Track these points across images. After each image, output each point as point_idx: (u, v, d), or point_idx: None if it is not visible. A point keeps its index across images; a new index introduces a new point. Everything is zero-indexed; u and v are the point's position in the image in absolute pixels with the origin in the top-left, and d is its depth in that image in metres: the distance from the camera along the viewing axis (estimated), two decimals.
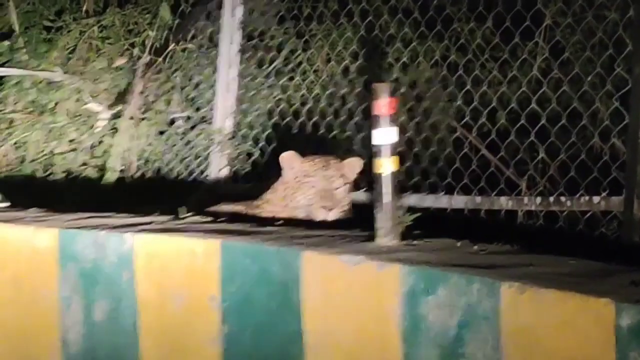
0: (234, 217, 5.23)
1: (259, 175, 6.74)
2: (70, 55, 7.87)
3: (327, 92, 6.70)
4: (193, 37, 7.50)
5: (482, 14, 6.09)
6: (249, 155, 6.99)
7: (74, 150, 7.57)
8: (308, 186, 5.33)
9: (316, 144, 6.52)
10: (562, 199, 5.48)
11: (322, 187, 5.31)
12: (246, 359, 4.27)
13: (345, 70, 6.72)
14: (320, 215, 5.31)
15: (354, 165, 5.43)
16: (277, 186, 5.50)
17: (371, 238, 4.26)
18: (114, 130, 7.51)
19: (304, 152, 5.46)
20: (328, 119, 6.66)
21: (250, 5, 7.21)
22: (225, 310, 4.30)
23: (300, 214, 5.37)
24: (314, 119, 6.73)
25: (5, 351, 4.95)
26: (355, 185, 5.57)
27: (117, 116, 7.55)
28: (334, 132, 6.63)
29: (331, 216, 5.32)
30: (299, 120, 6.79)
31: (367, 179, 5.70)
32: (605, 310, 3.31)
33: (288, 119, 6.88)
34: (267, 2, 7.26)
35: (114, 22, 7.87)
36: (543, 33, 5.90)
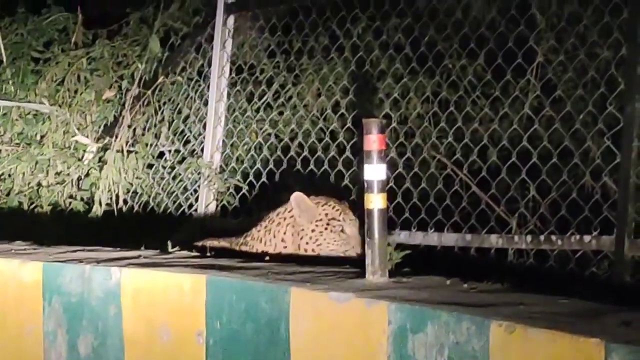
0: (221, 253, 5.23)
1: (248, 210, 6.75)
2: (58, 87, 7.87)
3: (317, 127, 6.70)
4: (182, 70, 7.51)
5: (473, 50, 6.09)
6: (238, 189, 6.99)
7: (60, 182, 7.56)
8: (337, 230, 5.22)
9: (305, 179, 6.53)
10: (553, 237, 5.47)
11: (352, 232, 5.21)
12: None
13: (336, 105, 6.72)
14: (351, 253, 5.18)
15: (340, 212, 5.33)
16: (267, 225, 5.44)
17: (361, 275, 4.27)
18: (102, 163, 7.50)
19: (302, 191, 5.37)
20: (318, 154, 6.65)
21: (240, 39, 7.24)
22: (212, 347, 4.29)
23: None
24: (304, 154, 6.73)
25: None
26: None
27: (104, 149, 7.55)
28: (323, 168, 6.60)
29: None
30: (288, 155, 6.78)
31: (357, 214, 5.72)
32: (595, 351, 3.31)
33: (277, 153, 6.88)
34: (258, 35, 7.28)
35: (103, 54, 7.89)
36: (535, 70, 5.91)
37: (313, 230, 5.22)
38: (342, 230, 5.18)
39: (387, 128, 6.01)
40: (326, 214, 5.23)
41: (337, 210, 5.25)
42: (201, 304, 4.33)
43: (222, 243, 5.48)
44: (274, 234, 5.35)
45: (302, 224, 5.24)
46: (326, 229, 5.20)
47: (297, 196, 5.23)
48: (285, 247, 5.31)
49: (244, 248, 5.42)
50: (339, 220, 5.20)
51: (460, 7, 6.19)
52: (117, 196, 7.36)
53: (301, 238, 5.25)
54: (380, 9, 6.53)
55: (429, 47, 6.30)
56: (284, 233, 5.31)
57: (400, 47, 6.49)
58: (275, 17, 7.12)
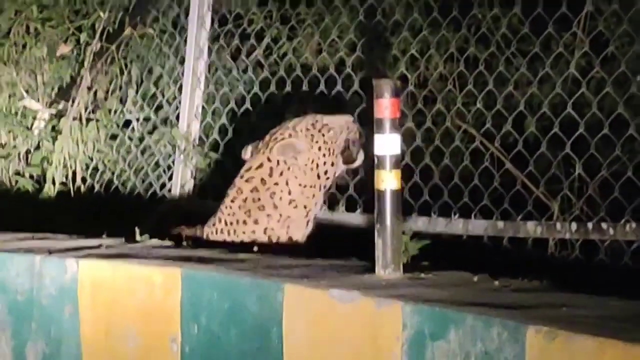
0: (200, 242, 5.25)
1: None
2: (3, 41, 7.89)
3: (318, 91, 6.71)
4: (154, 21, 7.51)
5: None
6: (220, 165, 6.99)
7: (5, 156, 7.58)
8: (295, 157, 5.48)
9: None
10: (604, 225, 5.48)
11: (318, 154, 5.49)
12: None
13: (341, 64, 6.72)
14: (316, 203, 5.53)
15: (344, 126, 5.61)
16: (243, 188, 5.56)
17: (369, 269, 4.28)
18: (55, 133, 7.52)
19: None
20: None
21: None
22: (188, 355, 4.31)
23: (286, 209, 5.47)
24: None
25: None
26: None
27: (59, 116, 7.57)
28: None
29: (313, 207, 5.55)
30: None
31: (365, 199, 5.73)
32: None
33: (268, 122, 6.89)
34: None
35: (57, 1, 7.89)
36: (583, 22, 5.91)
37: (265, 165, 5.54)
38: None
39: (403, 91, 6.00)
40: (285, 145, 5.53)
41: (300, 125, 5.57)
42: (176, 303, 4.34)
43: (200, 231, 5.50)
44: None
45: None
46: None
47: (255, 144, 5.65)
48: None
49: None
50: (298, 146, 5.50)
51: None
52: (74, 173, 7.39)
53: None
54: None
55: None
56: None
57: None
58: None
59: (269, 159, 5.44)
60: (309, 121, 5.54)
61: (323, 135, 5.46)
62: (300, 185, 5.43)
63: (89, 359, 4.54)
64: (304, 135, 5.47)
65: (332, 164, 5.47)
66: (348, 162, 5.52)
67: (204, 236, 5.48)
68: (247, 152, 5.61)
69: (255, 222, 5.43)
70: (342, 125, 5.53)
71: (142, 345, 4.41)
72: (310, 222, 5.50)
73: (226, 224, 5.48)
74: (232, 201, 5.51)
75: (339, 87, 6.63)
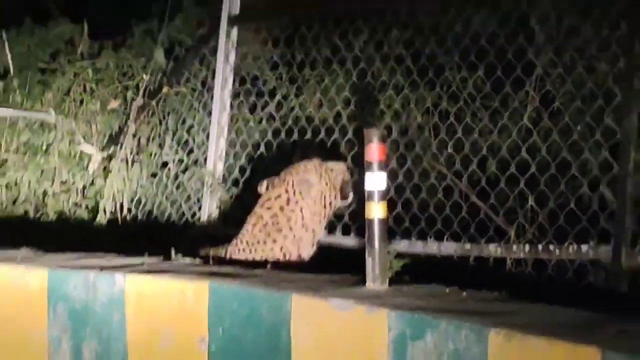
0: (224, 260, 5.24)
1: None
2: (64, 97, 7.88)
3: (319, 138, 6.70)
4: (186, 81, 7.51)
5: (473, 63, 6.09)
6: (240, 198, 6.98)
7: (66, 191, 7.57)
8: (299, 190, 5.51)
9: None
10: (551, 247, 5.46)
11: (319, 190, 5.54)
12: None
13: (337, 116, 6.71)
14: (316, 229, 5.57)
15: (335, 169, 5.67)
16: (254, 218, 5.59)
17: (361, 282, 4.29)
18: (106, 172, 7.51)
19: None
20: None
21: (243, 51, 7.24)
22: (214, 353, 4.29)
23: (289, 230, 5.50)
24: None
25: None
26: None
27: (109, 158, 7.56)
28: None
29: (317, 233, 5.58)
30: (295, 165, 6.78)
31: (357, 225, 5.72)
32: (592, 357, 3.31)
33: (279, 164, 6.87)
34: (260, 47, 7.27)
35: (108, 65, 7.90)
36: (534, 83, 5.90)
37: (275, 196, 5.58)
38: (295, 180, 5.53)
39: (388, 138, 6.01)
40: (291, 182, 5.58)
41: (304, 168, 5.60)
42: (204, 310, 4.34)
43: (224, 250, 5.50)
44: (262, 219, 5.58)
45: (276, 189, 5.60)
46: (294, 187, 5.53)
47: (269, 180, 5.67)
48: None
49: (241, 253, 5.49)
50: (303, 178, 5.54)
51: (461, 21, 6.19)
52: (122, 205, 7.37)
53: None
54: (382, 22, 6.52)
55: (430, 60, 6.30)
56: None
57: (401, 59, 6.48)
58: (278, 29, 7.13)
59: (286, 191, 5.48)
60: (317, 163, 5.57)
61: (328, 175, 5.51)
62: (310, 212, 5.46)
63: (133, 355, 4.52)
64: (315, 174, 5.50)
65: (335, 197, 5.52)
66: (343, 198, 5.56)
67: (228, 254, 5.47)
68: (263, 187, 5.62)
69: (274, 241, 5.44)
70: (340, 169, 5.61)
71: (176, 344, 4.41)
72: (315, 244, 5.52)
73: (247, 244, 5.49)
74: (254, 225, 5.51)
75: (336, 135, 6.62)
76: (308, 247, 5.50)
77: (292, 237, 5.45)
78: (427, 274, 4.51)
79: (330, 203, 5.55)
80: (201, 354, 4.32)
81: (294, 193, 5.47)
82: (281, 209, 5.48)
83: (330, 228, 6.01)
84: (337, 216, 5.91)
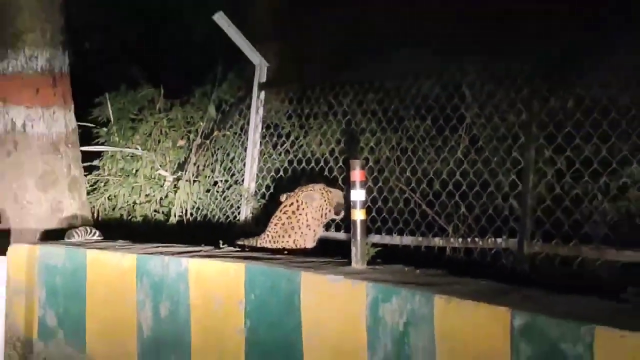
0: (255, 248, 5.25)
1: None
2: (147, 138, 7.90)
3: (319, 166, 6.70)
4: (230, 127, 7.52)
5: (424, 115, 6.11)
6: (266, 207, 7.00)
7: (148, 201, 7.58)
8: (305, 209, 5.54)
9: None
10: (476, 240, 5.47)
11: (316, 207, 5.55)
12: (261, 346, 4.26)
13: (332, 151, 6.72)
14: (316, 231, 5.59)
15: (332, 194, 5.63)
16: (275, 222, 5.60)
17: (348, 263, 4.28)
18: (176, 188, 7.52)
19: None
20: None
21: (268, 107, 7.25)
22: (248, 311, 4.31)
23: (298, 231, 5.52)
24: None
25: (103, 334, 4.98)
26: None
27: (178, 179, 7.57)
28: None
29: (317, 232, 5.60)
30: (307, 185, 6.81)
31: (346, 224, 5.72)
32: (505, 316, 3.33)
33: (291, 183, 6.90)
34: (280, 105, 7.29)
35: (177, 116, 7.92)
36: (465, 129, 5.91)
37: (290, 209, 5.59)
38: (303, 204, 5.54)
39: (366, 166, 6.02)
40: (300, 200, 5.58)
41: (308, 193, 5.59)
42: (242, 282, 4.35)
43: (254, 241, 5.53)
44: (283, 223, 5.58)
45: (291, 205, 5.58)
46: (300, 206, 5.55)
47: (288, 194, 5.66)
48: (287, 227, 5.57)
49: (265, 243, 5.53)
50: (306, 202, 5.55)
51: (416, 86, 6.21)
52: (186, 211, 7.37)
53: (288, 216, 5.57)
54: (362, 87, 6.54)
55: (394, 113, 6.33)
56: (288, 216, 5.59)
57: (374, 113, 6.50)
58: (292, 92, 7.14)
59: (297, 201, 5.50)
60: (321, 186, 5.59)
61: (327, 195, 5.53)
62: (313, 217, 5.48)
63: (194, 312, 4.55)
64: (318, 192, 5.52)
65: (329, 211, 5.53)
66: (336, 214, 5.58)
67: (258, 244, 5.49)
68: (282, 198, 5.63)
69: (289, 236, 5.47)
70: (337, 194, 5.62)
71: (223, 305, 4.42)
72: (316, 239, 5.53)
73: (271, 237, 5.52)
74: (275, 224, 5.54)
75: (331, 164, 6.62)
76: (310, 241, 5.52)
77: (300, 234, 5.47)
78: (393, 258, 4.51)
79: (326, 214, 5.54)
80: (240, 312, 4.33)
81: (302, 203, 5.49)
82: (293, 213, 5.50)
83: (328, 226, 6.01)
84: (333, 220, 5.91)
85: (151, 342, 4.70)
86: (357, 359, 3.86)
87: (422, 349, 3.63)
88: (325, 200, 5.52)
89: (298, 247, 5.45)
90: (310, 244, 5.53)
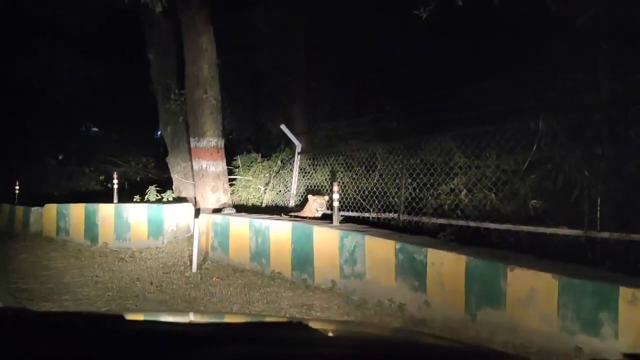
0: (295, 217, 5.12)
1: (302, 205, 6.39)
2: (254, 173, 7.66)
3: (321, 185, 6.54)
4: (285, 169, 7.33)
5: (366, 166, 5.81)
6: (300, 200, 6.76)
7: (254, 198, 7.34)
8: (316, 202, 5.24)
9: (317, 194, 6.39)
10: (381, 214, 5.18)
11: (319, 202, 5.24)
12: (298, 254, 4.12)
13: (326, 180, 6.48)
14: (319, 209, 5.12)
15: (326, 198, 5.34)
16: (305, 206, 5.37)
17: (331, 223, 4.18)
18: (265, 193, 7.40)
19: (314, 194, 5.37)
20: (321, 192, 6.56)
21: (301, 162, 7.08)
22: (293, 240, 4.19)
23: (313, 210, 5.21)
24: (317, 191, 6.62)
25: (235, 249, 4.66)
26: (326, 204, 5.39)
27: (265, 189, 7.48)
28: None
29: (321, 210, 5.10)
30: (313, 192, 6.66)
31: (329, 205, 5.67)
32: (392, 244, 3.27)
33: (310, 191, 6.75)
34: (306, 161, 7.07)
35: (265, 165, 7.49)
36: (378, 170, 5.59)
37: (310, 203, 5.24)
38: (316, 202, 5.19)
39: (339, 185, 5.90)
40: (313, 199, 5.25)
41: (316, 197, 5.28)
42: (289, 232, 4.21)
43: (295, 214, 5.29)
44: (306, 207, 5.29)
45: (310, 201, 5.27)
46: (313, 202, 5.18)
47: (308, 195, 5.39)
48: (308, 210, 5.23)
49: (301, 214, 5.23)
50: (315, 200, 5.22)
51: (359, 154, 5.91)
52: (269, 202, 7.11)
53: (308, 206, 5.24)
54: (339, 155, 6.32)
55: (350, 165, 6.05)
56: (307, 207, 5.26)
57: (345, 165, 6.21)
58: (310, 156, 6.97)
59: (310, 199, 5.29)
60: (318, 196, 5.32)
61: (322, 199, 5.25)
62: (315, 207, 5.23)
63: (272, 242, 4.34)
64: (318, 197, 5.28)
65: (321, 206, 5.21)
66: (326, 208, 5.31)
67: (299, 214, 5.21)
68: (309, 197, 5.31)
69: (310, 212, 5.22)
70: (325, 198, 5.28)
71: (283, 238, 4.21)
72: (320, 214, 5.25)
73: (303, 211, 5.28)
74: (305, 207, 5.32)
75: (326, 185, 6.49)
76: (317, 215, 5.25)
77: (314, 211, 5.28)
78: (349, 221, 4.43)
79: (322, 204, 5.28)
80: (289, 241, 4.17)
81: (312, 201, 5.29)
82: (309, 204, 5.30)
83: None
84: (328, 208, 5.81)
85: (255, 253, 4.51)
86: (335, 260, 3.78)
87: (360, 257, 3.59)
88: (320, 201, 5.35)
89: (314, 216, 5.26)
90: (318, 214, 5.31)
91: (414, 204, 4.68)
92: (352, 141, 6.71)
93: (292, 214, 5.27)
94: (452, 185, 4.45)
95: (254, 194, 7.46)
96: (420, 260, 3.12)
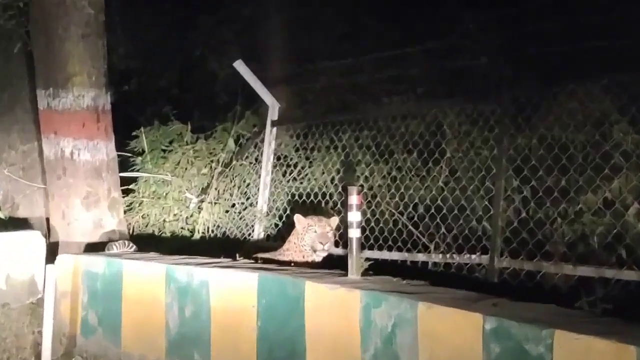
0: (266, 261, 5.24)
1: (282, 237, 6.69)
2: (176, 166, 7.88)
3: (322, 191, 6.71)
4: (246, 158, 7.51)
5: (411, 149, 6.15)
6: (276, 225, 7.00)
7: (176, 220, 7.57)
8: (312, 231, 5.35)
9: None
10: (454, 256, 5.48)
11: (320, 232, 5.33)
12: (271, 343, 4.24)
13: (332, 179, 6.73)
14: (319, 247, 5.32)
15: (335, 221, 5.49)
16: (290, 239, 5.51)
17: (344, 275, 4.27)
18: (200, 209, 7.51)
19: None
20: (321, 207, 6.68)
21: (279, 141, 7.27)
22: (260, 313, 4.30)
23: (306, 248, 5.36)
24: (313, 206, 6.76)
25: (136, 331, 4.96)
26: (335, 234, 5.62)
27: (201, 201, 7.57)
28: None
29: (326, 247, 5.34)
30: (305, 207, 6.81)
31: (343, 241, 5.72)
32: (478, 320, 3.33)
33: (298, 206, 6.91)
34: (289, 139, 7.30)
35: (202, 148, 7.90)
36: (445, 161, 5.94)
37: (301, 234, 5.39)
38: (315, 231, 5.32)
39: (361, 192, 6.03)
40: (308, 224, 5.39)
41: (314, 220, 5.40)
42: (254, 289, 4.34)
43: (266, 255, 5.50)
44: (292, 243, 5.46)
45: (299, 230, 5.42)
46: (307, 232, 5.36)
47: (296, 216, 5.50)
48: (296, 247, 5.41)
49: (279, 256, 5.45)
50: (313, 226, 5.35)
51: (404, 125, 6.23)
52: (208, 228, 7.36)
53: (298, 239, 5.42)
54: (358, 125, 6.55)
55: (386, 147, 6.34)
56: (294, 241, 5.45)
57: (369, 147, 6.52)
58: (299, 129, 7.16)
59: (296, 224, 5.47)
60: (323, 217, 5.51)
61: (328, 221, 5.42)
62: (310, 241, 5.41)
63: (214, 314, 4.54)
64: (319, 217, 5.47)
65: (325, 238, 5.35)
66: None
67: (275, 257, 5.45)
68: (297, 218, 5.49)
69: (295, 249, 5.45)
70: (334, 221, 5.48)
71: (238, 308, 4.41)
72: (320, 254, 5.45)
73: (277, 252, 5.51)
74: (284, 237, 5.56)
75: (332, 190, 6.64)
76: (315, 257, 5.43)
77: (306, 249, 5.40)
78: (383, 271, 4.51)
79: (321, 241, 5.38)
80: (253, 312, 4.32)
81: (303, 227, 5.41)
82: (296, 234, 5.47)
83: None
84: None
85: (177, 338, 4.70)
86: (352, 355, 3.85)
87: (406, 347, 3.62)
88: (325, 225, 5.44)
89: (307, 260, 5.39)
90: (316, 257, 5.44)
91: (524, 234, 4.99)
92: (388, 99, 6.94)
93: (261, 254, 5.54)
94: (607, 194, 4.53)
95: (176, 211, 7.61)
96: (539, 356, 3.04)
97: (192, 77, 9.80)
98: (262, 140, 7.30)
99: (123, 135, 7.78)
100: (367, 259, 5.23)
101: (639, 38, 4.81)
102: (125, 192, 7.59)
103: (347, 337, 3.88)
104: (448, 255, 5.52)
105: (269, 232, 7.03)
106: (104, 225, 6.62)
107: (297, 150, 7.21)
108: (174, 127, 8.18)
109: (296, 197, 6.91)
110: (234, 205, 7.46)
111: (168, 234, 7.45)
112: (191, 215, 7.57)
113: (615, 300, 4.10)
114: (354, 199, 4.31)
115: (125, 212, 7.21)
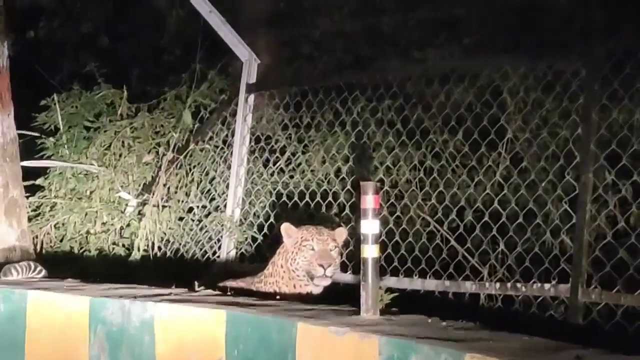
0: (239, 292, 5.23)
1: (262, 257, 6.66)
2: (106, 151, 7.86)
3: (322, 189, 6.71)
4: (210, 139, 7.51)
5: (454, 127, 6.12)
6: (254, 239, 6.99)
7: (106, 231, 7.56)
8: (307, 248, 5.32)
9: None
10: (518, 285, 5.45)
11: (320, 249, 5.30)
12: None
13: (338, 171, 6.73)
14: (318, 272, 5.27)
15: (342, 233, 5.46)
16: (275, 260, 5.51)
17: (356, 312, 4.26)
18: (141, 215, 7.51)
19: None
20: (322, 212, 6.66)
21: (259, 114, 7.27)
22: None
23: (299, 274, 5.34)
24: (309, 212, 6.73)
25: None
26: (342, 253, 5.61)
27: (143, 204, 7.57)
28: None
29: (328, 272, 5.26)
30: (297, 212, 6.79)
31: (354, 263, 5.71)
32: None
33: (287, 211, 6.88)
34: (273, 111, 7.30)
35: (144, 125, 7.89)
36: (505, 145, 5.92)
37: (292, 252, 5.35)
38: (312, 248, 5.27)
39: (381, 190, 6.02)
40: (301, 237, 5.35)
41: (310, 232, 5.36)
42: (222, 334, 4.31)
43: (240, 284, 5.50)
44: (278, 265, 5.44)
45: (288, 247, 5.39)
46: (300, 249, 5.31)
47: (284, 225, 5.46)
48: (284, 271, 5.40)
49: (258, 285, 5.45)
50: (309, 240, 5.29)
51: (444, 91, 6.21)
52: (153, 244, 7.35)
53: (286, 260, 5.39)
54: (377, 91, 6.55)
55: (417, 124, 6.32)
56: (281, 263, 5.42)
57: (392, 123, 6.51)
58: (288, 96, 7.15)
59: (284, 237, 5.46)
60: (325, 228, 5.48)
61: (331, 235, 5.38)
62: (304, 262, 5.37)
63: None
64: (318, 228, 5.43)
65: (327, 258, 5.29)
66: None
67: (251, 286, 5.46)
68: (284, 229, 5.47)
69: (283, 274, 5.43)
70: (340, 233, 5.47)
71: None
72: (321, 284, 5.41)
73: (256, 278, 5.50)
74: (267, 258, 5.55)
75: (336, 187, 6.64)
76: (314, 288, 5.39)
77: (298, 276, 5.36)
78: (413, 306, 4.51)
79: (321, 262, 5.32)
80: None
81: (296, 241, 5.39)
82: (284, 252, 5.46)
83: None
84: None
85: None
86: None
87: None
88: (327, 240, 5.39)
89: (300, 292, 5.35)
90: (314, 288, 5.41)
91: (621, 253, 4.99)
92: (420, 53, 6.79)
93: (231, 282, 5.56)
94: None
95: (106, 218, 7.64)
96: None
97: (128, 20, 9.74)
98: (234, 114, 7.29)
99: (27, 106, 7.75)
100: (389, 290, 5.23)
101: None
102: (31, 191, 7.58)
103: None
104: (509, 285, 5.49)
105: (243, 250, 7.04)
106: None
107: (285, 128, 7.21)
108: (103, 94, 8.17)
109: (284, 198, 6.91)
110: (191, 209, 7.45)
111: (94, 252, 7.43)
112: (128, 225, 7.56)
113: None
114: (369, 200, 4.30)
115: (30, 219, 7.19)
